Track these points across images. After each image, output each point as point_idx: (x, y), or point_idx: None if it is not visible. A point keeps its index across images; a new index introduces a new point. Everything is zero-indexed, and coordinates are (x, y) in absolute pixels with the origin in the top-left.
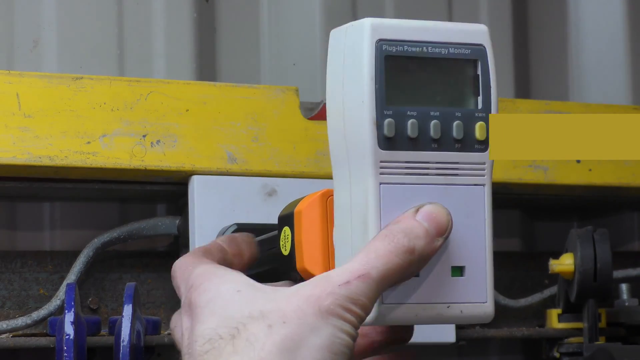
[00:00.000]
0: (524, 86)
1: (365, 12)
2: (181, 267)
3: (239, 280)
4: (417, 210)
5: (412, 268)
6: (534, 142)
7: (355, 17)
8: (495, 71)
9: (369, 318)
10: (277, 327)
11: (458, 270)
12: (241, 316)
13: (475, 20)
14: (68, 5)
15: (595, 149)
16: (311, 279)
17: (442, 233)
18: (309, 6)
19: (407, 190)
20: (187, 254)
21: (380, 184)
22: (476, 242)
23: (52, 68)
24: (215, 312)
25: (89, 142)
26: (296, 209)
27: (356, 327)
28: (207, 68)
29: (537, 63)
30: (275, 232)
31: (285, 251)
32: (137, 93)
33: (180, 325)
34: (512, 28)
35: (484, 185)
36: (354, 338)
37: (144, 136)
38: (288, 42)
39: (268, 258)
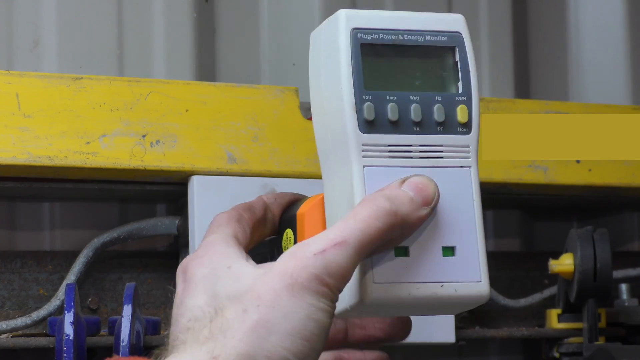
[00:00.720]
0: (524, 86)
1: None
2: (212, 224)
3: (234, 258)
4: (403, 182)
5: (395, 233)
6: (534, 142)
7: None
8: (474, 56)
9: (360, 299)
10: (251, 311)
11: (449, 250)
12: (224, 296)
13: (475, 19)
14: (68, 5)
15: (595, 149)
16: (289, 250)
17: (428, 203)
18: (309, 6)
19: (392, 173)
20: (231, 208)
21: (364, 166)
22: (466, 222)
23: (52, 68)
24: (205, 289)
25: (88, 142)
26: (299, 211)
27: (333, 301)
28: (207, 68)
29: (537, 63)
30: (275, 235)
31: None
32: (137, 93)
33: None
34: (512, 28)
35: (469, 167)
36: (329, 315)
37: (144, 136)
38: (288, 42)
39: (268, 260)
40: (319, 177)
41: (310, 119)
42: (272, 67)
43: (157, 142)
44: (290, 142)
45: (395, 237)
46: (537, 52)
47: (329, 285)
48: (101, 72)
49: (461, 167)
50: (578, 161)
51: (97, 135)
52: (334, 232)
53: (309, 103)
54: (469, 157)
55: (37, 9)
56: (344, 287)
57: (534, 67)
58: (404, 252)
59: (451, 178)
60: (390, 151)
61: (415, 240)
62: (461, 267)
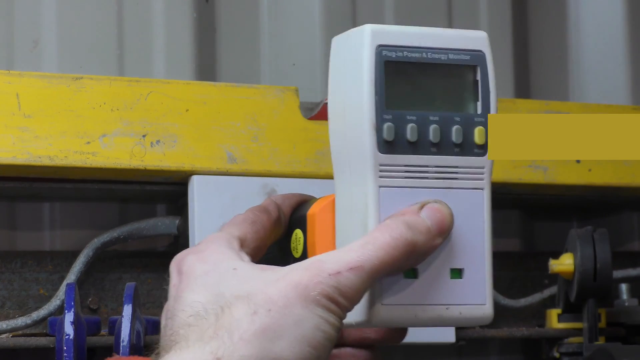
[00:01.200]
0: (524, 86)
1: (365, 13)
2: (227, 223)
3: (236, 259)
4: (422, 206)
5: (409, 262)
6: (534, 142)
7: (354, 18)
8: (495, 77)
9: (367, 319)
10: (262, 314)
11: (457, 272)
12: (230, 295)
13: (475, 20)
14: (68, 5)
15: (595, 149)
16: (303, 262)
17: (443, 233)
18: (309, 6)
19: (407, 194)
20: (248, 210)
21: (380, 187)
22: (475, 244)
23: (52, 68)
24: (207, 286)
25: (88, 142)
26: (309, 212)
27: (341, 318)
28: (207, 68)
29: (537, 63)
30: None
31: (297, 253)
32: (137, 93)
33: (174, 271)
34: (512, 28)
35: (483, 189)
36: (337, 329)
37: (144, 136)
38: (288, 42)
39: (276, 259)
40: (319, 177)
41: (310, 119)
42: (272, 67)
43: (157, 142)
44: (290, 142)
45: (407, 264)
46: (537, 52)
47: (340, 304)
48: (101, 72)
49: (475, 188)
50: (578, 161)
51: (97, 135)
52: (350, 255)
53: (309, 103)
54: (482, 179)
55: (37, 9)
56: (353, 307)
57: (534, 67)
58: (412, 274)
59: (464, 199)
60: (406, 172)
61: (425, 262)
62: (467, 290)
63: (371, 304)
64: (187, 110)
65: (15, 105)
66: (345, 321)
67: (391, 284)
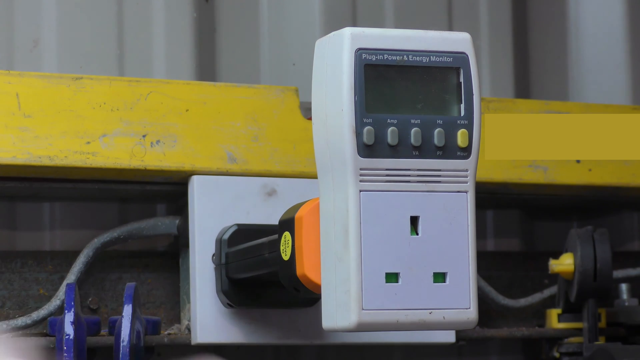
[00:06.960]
0: (524, 86)
1: (364, 13)
2: None
3: None
4: None
5: None
6: (534, 142)
7: (355, 18)
8: (478, 78)
9: (349, 324)
10: None
11: (440, 277)
12: None
13: (475, 20)
14: (68, 5)
15: (595, 149)
16: None
17: None
18: (309, 6)
19: (388, 198)
20: None
21: (361, 191)
22: (459, 248)
23: (52, 68)
24: None
25: (88, 142)
26: (297, 215)
27: None
28: (207, 68)
29: (537, 63)
30: (276, 236)
31: (286, 256)
32: (137, 93)
33: None
34: (512, 28)
35: (466, 192)
36: None
37: (144, 136)
38: (288, 42)
39: (268, 262)
40: None
41: (310, 119)
42: (272, 67)
43: (157, 142)
44: (290, 142)
45: None
46: (537, 52)
47: None
48: (101, 72)
49: (458, 191)
50: (578, 161)
51: (97, 135)
52: None
53: (309, 103)
54: (466, 182)
55: (37, 9)
56: None
57: (534, 67)
58: (394, 278)
59: (447, 203)
60: (387, 175)
61: (407, 266)
62: (451, 294)
63: (352, 308)
64: (187, 110)
65: (15, 105)
66: (328, 326)
67: (372, 288)
